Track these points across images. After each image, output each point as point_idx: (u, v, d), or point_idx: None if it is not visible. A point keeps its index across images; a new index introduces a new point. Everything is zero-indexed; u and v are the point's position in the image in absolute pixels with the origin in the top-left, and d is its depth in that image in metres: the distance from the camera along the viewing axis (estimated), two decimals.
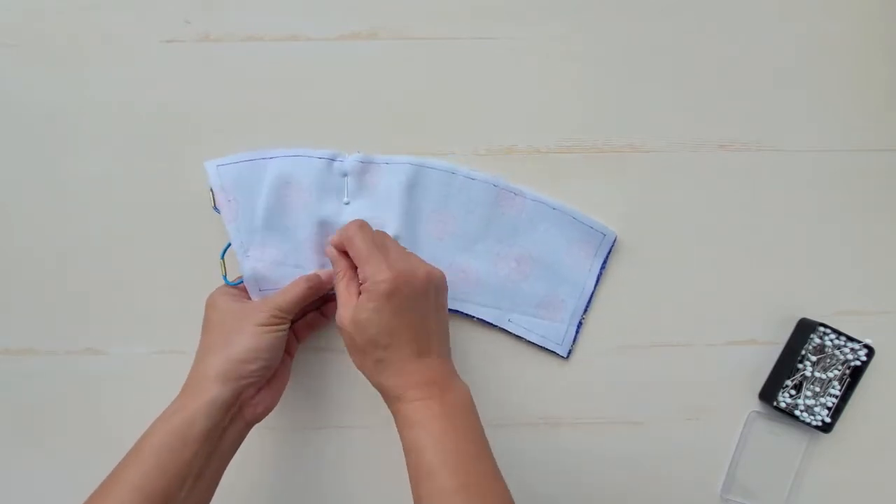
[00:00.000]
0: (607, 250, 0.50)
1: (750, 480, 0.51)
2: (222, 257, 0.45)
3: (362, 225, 0.43)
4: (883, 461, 0.51)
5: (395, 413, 0.40)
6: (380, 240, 0.42)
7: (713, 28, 0.50)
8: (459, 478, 0.36)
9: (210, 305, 0.44)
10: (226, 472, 0.41)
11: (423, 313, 0.41)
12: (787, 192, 0.50)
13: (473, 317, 0.49)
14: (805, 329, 0.49)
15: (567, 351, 0.50)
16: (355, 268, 0.42)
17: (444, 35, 0.49)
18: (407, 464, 0.38)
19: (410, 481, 0.38)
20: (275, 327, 0.42)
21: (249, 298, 0.45)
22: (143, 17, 0.48)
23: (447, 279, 0.43)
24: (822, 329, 0.48)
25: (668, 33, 0.50)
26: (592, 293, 0.50)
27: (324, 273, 0.45)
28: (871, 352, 0.48)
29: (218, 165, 0.45)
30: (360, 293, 0.40)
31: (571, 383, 0.51)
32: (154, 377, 0.49)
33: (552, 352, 0.50)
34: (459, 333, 0.49)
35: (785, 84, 0.50)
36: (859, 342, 0.48)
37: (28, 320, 0.49)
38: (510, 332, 0.50)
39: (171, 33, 0.48)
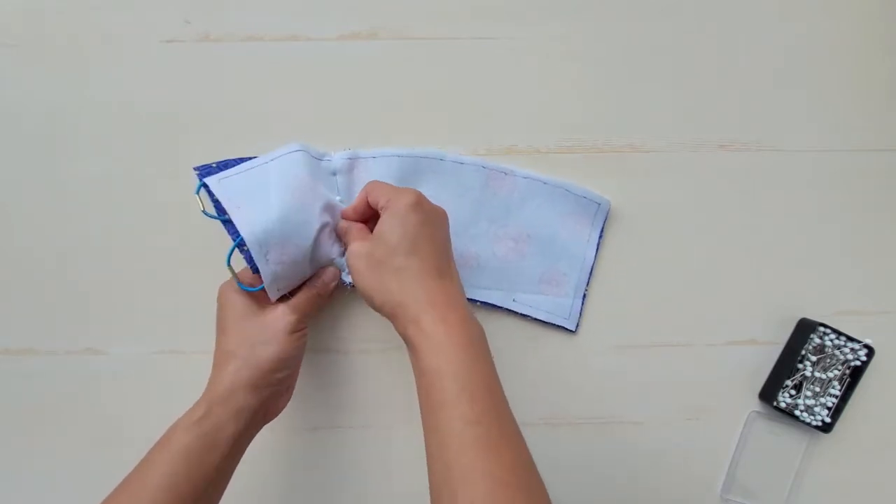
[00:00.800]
0: (603, 219, 0.49)
1: (750, 480, 0.51)
2: (228, 264, 0.42)
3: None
4: (883, 461, 0.51)
5: (411, 337, 0.38)
6: None
7: (713, 28, 0.50)
8: (478, 406, 0.35)
9: (224, 304, 0.42)
10: None
11: (443, 236, 0.42)
12: (787, 192, 0.50)
13: (477, 301, 0.49)
14: (805, 329, 0.49)
15: (575, 324, 0.50)
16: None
17: (444, 35, 0.49)
18: (420, 389, 0.37)
19: (424, 407, 0.37)
20: (301, 332, 0.43)
21: (265, 300, 0.43)
22: (143, 17, 0.48)
23: None
24: (822, 329, 0.48)
25: (668, 33, 0.50)
26: (593, 264, 0.50)
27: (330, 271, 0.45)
28: (871, 352, 0.48)
29: (220, 179, 0.42)
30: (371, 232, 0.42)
31: (571, 383, 0.51)
32: (154, 377, 0.49)
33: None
34: None
35: (785, 84, 0.50)
36: (859, 342, 0.48)
37: (28, 320, 0.49)
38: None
39: (171, 33, 0.48)
